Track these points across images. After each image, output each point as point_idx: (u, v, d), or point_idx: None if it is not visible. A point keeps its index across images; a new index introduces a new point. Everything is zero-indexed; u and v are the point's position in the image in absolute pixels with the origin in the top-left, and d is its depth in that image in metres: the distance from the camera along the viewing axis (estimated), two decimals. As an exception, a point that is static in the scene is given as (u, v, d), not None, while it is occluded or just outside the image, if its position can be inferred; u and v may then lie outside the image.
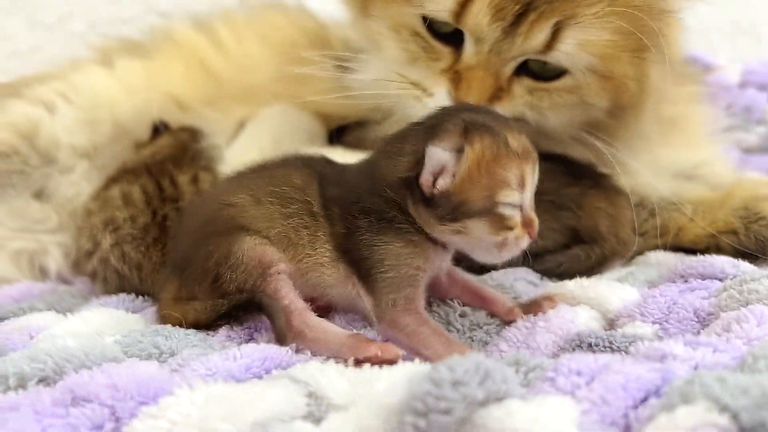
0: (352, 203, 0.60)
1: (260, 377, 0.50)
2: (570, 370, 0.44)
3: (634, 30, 0.72)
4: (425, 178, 0.56)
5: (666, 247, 0.83)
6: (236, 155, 0.92)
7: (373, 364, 0.50)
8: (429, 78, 0.78)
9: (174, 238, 0.71)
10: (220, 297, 0.59)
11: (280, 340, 0.57)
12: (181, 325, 0.60)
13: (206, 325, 0.61)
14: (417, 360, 0.51)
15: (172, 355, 0.54)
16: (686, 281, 0.68)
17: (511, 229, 0.56)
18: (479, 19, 0.72)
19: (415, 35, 0.78)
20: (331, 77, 0.90)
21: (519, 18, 0.71)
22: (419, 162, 0.56)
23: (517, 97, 0.77)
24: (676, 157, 0.88)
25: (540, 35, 0.72)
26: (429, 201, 0.56)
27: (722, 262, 0.69)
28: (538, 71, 0.76)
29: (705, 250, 0.80)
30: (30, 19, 1.85)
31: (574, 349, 0.58)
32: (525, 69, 0.76)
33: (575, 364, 0.44)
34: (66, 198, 0.91)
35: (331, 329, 0.56)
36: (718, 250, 0.80)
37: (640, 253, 0.81)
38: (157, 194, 0.77)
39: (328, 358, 0.53)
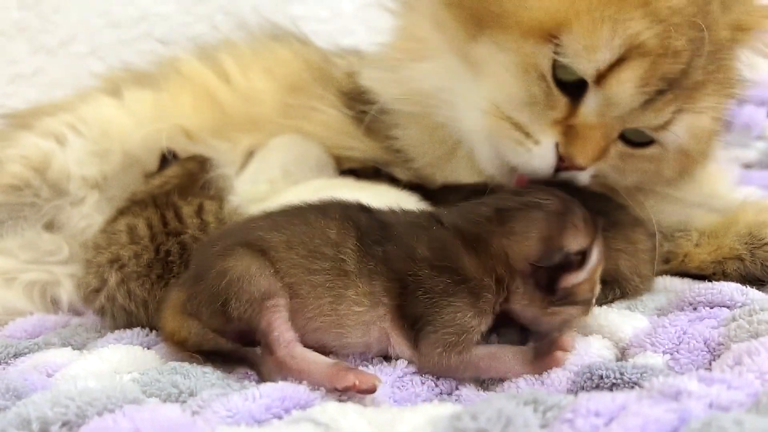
0: (415, 260, 0.60)
1: (280, 417, 0.50)
2: (588, 411, 0.45)
3: (723, 116, 0.79)
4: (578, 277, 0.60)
5: (672, 273, 0.83)
6: (246, 185, 0.93)
7: (351, 392, 0.51)
8: (539, 125, 0.75)
9: (197, 249, 0.71)
10: (224, 323, 0.59)
11: (261, 372, 0.57)
12: (172, 340, 0.60)
13: (193, 349, 0.60)
14: (436, 400, 0.51)
15: (192, 395, 0.54)
16: (695, 309, 0.69)
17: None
18: (625, 87, 0.71)
19: (541, 78, 0.74)
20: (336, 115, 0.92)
21: (658, 95, 0.73)
22: (550, 251, 0.59)
23: (610, 159, 0.78)
24: (690, 188, 0.90)
25: (666, 115, 0.75)
26: (551, 288, 0.59)
27: (730, 289, 0.69)
28: (632, 137, 0.78)
29: (711, 276, 0.81)
30: (32, 43, 1.87)
31: (585, 382, 0.59)
32: (621, 137, 0.79)
33: (593, 404, 0.45)
34: (78, 230, 0.92)
35: (314, 359, 0.56)
36: (724, 275, 0.80)
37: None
38: (161, 228, 0.77)
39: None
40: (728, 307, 0.68)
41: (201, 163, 0.94)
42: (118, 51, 1.89)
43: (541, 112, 0.75)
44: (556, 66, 0.73)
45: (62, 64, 1.88)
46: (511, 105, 0.76)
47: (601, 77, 0.72)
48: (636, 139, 0.78)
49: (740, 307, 0.66)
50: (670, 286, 0.80)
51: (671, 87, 0.72)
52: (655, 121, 0.75)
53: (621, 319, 0.68)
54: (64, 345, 0.71)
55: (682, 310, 0.70)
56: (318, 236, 0.61)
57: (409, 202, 0.81)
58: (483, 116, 0.78)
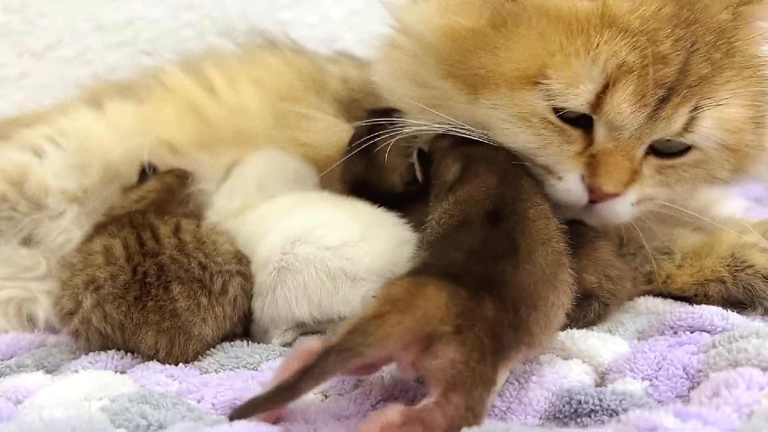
0: None
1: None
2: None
3: (758, 99, 0.75)
4: None
5: (655, 294, 0.83)
6: (222, 201, 0.92)
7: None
8: (560, 162, 0.75)
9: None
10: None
11: None
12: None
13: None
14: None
15: (161, 427, 0.53)
16: (675, 333, 0.69)
17: None
18: (621, 109, 0.71)
19: (545, 122, 0.75)
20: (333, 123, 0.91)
21: (661, 103, 0.71)
22: None
23: (647, 178, 0.76)
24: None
25: (681, 119, 0.73)
26: None
27: (711, 313, 0.69)
28: (662, 148, 0.76)
29: (693, 298, 0.81)
30: (18, 47, 1.85)
31: (564, 406, 0.58)
32: (651, 147, 0.76)
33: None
34: (56, 245, 0.90)
35: None
36: (707, 297, 0.80)
37: (630, 298, 0.82)
38: (138, 249, 0.76)
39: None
40: (709, 332, 0.68)
41: (180, 177, 0.93)
42: (105, 55, 1.88)
43: (558, 150, 0.75)
44: (558, 107, 0.74)
45: (48, 67, 1.87)
46: (529, 152, 0.76)
47: (597, 106, 0.72)
48: (670, 150, 0.76)
49: (720, 332, 0.66)
50: (652, 307, 0.80)
51: (673, 90, 0.71)
52: (672, 127, 0.73)
53: (600, 344, 0.67)
54: (37, 367, 0.70)
55: (662, 334, 0.70)
56: None
57: (385, 220, 0.80)
58: None
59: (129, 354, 0.71)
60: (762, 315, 0.77)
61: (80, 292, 0.72)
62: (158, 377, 0.66)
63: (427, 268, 0.59)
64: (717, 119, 0.73)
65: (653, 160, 0.76)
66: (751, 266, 0.79)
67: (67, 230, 0.91)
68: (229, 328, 0.77)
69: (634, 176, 0.75)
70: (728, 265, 0.80)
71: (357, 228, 0.76)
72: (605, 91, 0.71)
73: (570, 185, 0.75)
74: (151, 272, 0.74)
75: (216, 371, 0.69)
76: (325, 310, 0.74)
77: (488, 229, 0.64)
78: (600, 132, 0.74)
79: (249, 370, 0.69)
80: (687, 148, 0.76)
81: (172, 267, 0.75)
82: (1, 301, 0.86)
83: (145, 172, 0.93)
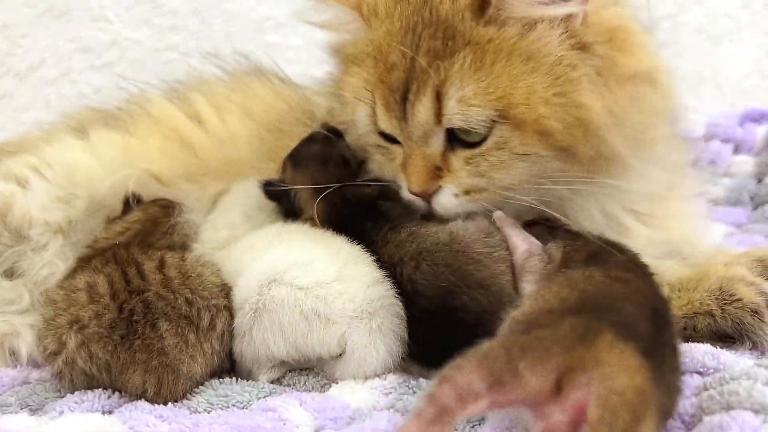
0: None
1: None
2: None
3: (524, 64, 0.76)
4: None
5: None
6: (208, 233, 0.92)
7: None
8: (397, 176, 0.87)
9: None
10: None
11: None
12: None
13: None
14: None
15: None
16: (666, 375, 0.69)
17: None
18: (382, 119, 0.83)
19: (377, 147, 0.88)
20: None
21: (403, 102, 0.80)
22: None
23: (458, 170, 0.81)
24: (661, 236, 0.90)
25: (422, 110, 0.79)
26: None
27: (702, 353, 0.69)
28: (468, 140, 0.80)
29: (682, 331, 0.81)
30: (1, 67, 1.84)
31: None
32: (457, 143, 0.81)
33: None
34: (40, 277, 0.89)
35: None
36: (695, 330, 0.79)
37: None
38: (123, 286, 0.75)
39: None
40: (700, 374, 0.68)
41: (164, 207, 0.92)
42: (88, 76, 1.87)
43: (390, 167, 0.88)
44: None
45: (31, 88, 1.86)
46: (383, 176, 0.89)
47: (377, 126, 0.84)
48: (473, 140, 0.80)
49: (712, 374, 0.66)
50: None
51: (408, 88, 0.79)
52: (424, 117, 0.79)
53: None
54: (21, 407, 0.68)
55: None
56: None
57: (361, 258, 0.80)
58: None
59: (116, 393, 0.70)
60: (750, 349, 0.77)
61: (64, 332, 0.71)
62: (147, 418, 0.64)
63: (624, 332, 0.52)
64: (459, 97, 0.76)
65: (461, 152, 0.81)
66: (738, 300, 0.78)
67: (51, 263, 0.90)
68: (217, 364, 0.77)
69: (438, 173, 0.82)
70: (716, 298, 0.79)
71: (332, 268, 0.76)
72: (374, 112, 0.83)
73: (406, 194, 0.85)
74: (137, 310, 0.73)
75: (206, 410, 0.68)
76: (302, 349, 0.74)
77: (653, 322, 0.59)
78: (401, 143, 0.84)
79: (239, 409, 0.68)
80: (486, 137, 0.79)
81: (158, 304, 0.74)
82: (-17, 336, 0.84)
83: (129, 203, 0.92)
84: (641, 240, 0.88)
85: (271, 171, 0.97)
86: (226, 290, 0.80)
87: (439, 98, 0.77)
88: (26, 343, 0.84)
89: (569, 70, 0.76)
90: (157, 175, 0.95)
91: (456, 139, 0.80)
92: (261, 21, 1.88)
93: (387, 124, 0.82)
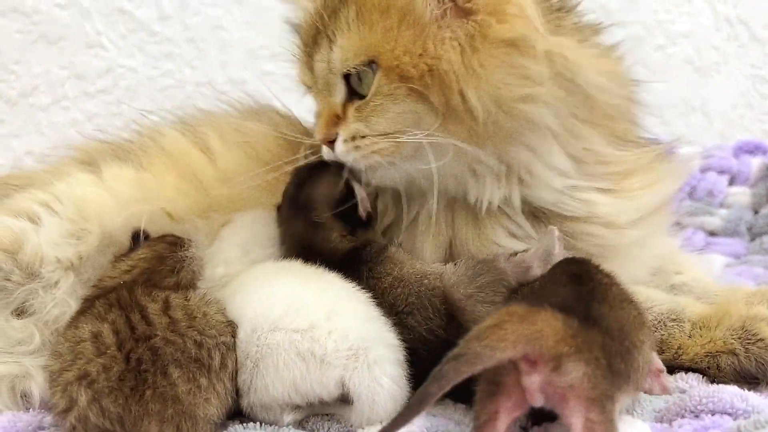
0: None
1: None
2: None
3: (392, 24, 0.83)
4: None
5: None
6: (208, 270, 0.91)
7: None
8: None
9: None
10: None
11: None
12: None
13: None
14: None
15: None
16: (697, 416, 0.69)
17: None
18: (302, 74, 0.95)
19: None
20: None
21: (312, 58, 0.90)
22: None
23: (350, 118, 0.88)
24: (632, 204, 0.91)
25: (320, 57, 0.89)
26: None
27: (731, 395, 0.69)
28: (361, 92, 0.87)
29: (706, 370, 0.81)
30: (-8, 93, 1.82)
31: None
32: (357, 96, 0.88)
33: None
34: (51, 317, 0.86)
35: None
36: (719, 369, 0.80)
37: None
38: (129, 334, 0.73)
39: None
40: (729, 414, 0.68)
41: (171, 244, 0.90)
42: (82, 103, 1.85)
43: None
44: None
45: (23, 114, 1.84)
46: None
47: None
48: (363, 89, 0.87)
49: (743, 416, 0.66)
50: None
51: (316, 40, 0.90)
52: (319, 65, 0.89)
53: (623, 427, 0.67)
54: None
55: (682, 416, 0.70)
56: None
57: (354, 295, 0.79)
58: None
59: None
60: (776, 391, 0.77)
61: (74, 389, 0.69)
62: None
63: (538, 302, 0.63)
64: (340, 45, 0.86)
65: (356, 103, 0.88)
66: (761, 339, 0.79)
67: (62, 302, 0.87)
68: (231, 403, 0.75)
69: (336, 120, 0.89)
70: (740, 338, 0.80)
71: (323, 308, 0.76)
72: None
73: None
74: (145, 358, 0.70)
75: (232, 456, 0.66)
76: (302, 391, 0.72)
77: (576, 285, 0.69)
78: None
79: (267, 455, 0.66)
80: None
81: (167, 350, 0.72)
82: (-5, 379, 0.81)
83: (138, 239, 0.90)
84: (608, 209, 0.90)
85: (272, 205, 0.98)
86: (232, 327, 0.79)
87: (330, 47, 0.87)
88: (38, 385, 0.82)
89: (439, 30, 0.82)
90: (170, 211, 0.94)
91: (354, 93, 0.88)
92: (256, 50, 1.88)
93: (304, 77, 0.93)
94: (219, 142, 1.01)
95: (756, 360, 0.78)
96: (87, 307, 0.80)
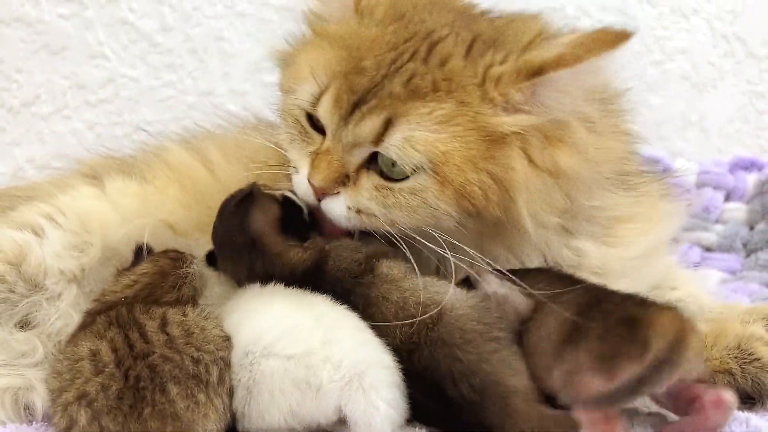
0: None
1: None
2: None
3: (487, 150, 0.78)
4: None
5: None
6: (207, 288, 0.91)
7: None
8: (298, 158, 0.89)
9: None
10: None
11: None
12: None
13: None
14: None
15: None
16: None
17: None
18: (323, 108, 0.84)
19: (296, 122, 0.89)
20: None
21: (353, 108, 0.81)
22: None
23: (364, 190, 0.83)
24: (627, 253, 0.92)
25: (368, 126, 0.80)
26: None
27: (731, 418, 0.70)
28: (387, 172, 0.82)
29: (701, 388, 0.82)
30: (-6, 102, 1.83)
31: None
32: (376, 167, 0.83)
33: None
34: (54, 329, 0.87)
35: None
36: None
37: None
38: (127, 352, 0.74)
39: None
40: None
41: (174, 259, 0.90)
42: (83, 113, 1.86)
43: (300, 147, 0.89)
44: (303, 109, 0.87)
45: (24, 123, 1.84)
46: (283, 146, 0.92)
47: (315, 108, 0.85)
48: (393, 175, 0.82)
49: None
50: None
51: (366, 98, 0.81)
52: (362, 132, 0.81)
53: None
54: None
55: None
56: None
57: (347, 319, 0.79)
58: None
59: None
60: (772, 411, 0.78)
61: (74, 409, 0.70)
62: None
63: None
64: (407, 137, 0.79)
65: (375, 177, 0.83)
66: (758, 359, 0.80)
67: (66, 314, 0.88)
68: (229, 418, 0.75)
69: (344, 180, 0.84)
70: (736, 357, 0.81)
71: (319, 333, 0.75)
72: (320, 96, 0.84)
73: (301, 178, 0.87)
74: (143, 376, 0.71)
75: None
76: (301, 418, 0.73)
77: None
78: (327, 135, 0.85)
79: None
80: (406, 177, 0.81)
81: (165, 367, 0.72)
82: (-2, 391, 0.81)
83: (141, 252, 0.91)
84: (598, 260, 0.91)
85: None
86: (230, 341, 0.80)
87: (387, 124, 0.79)
88: (41, 398, 0.82)
89: (509, 158, 0.80)
90: (173, 224, 0.95)
91: (376, 162, 0.83)
92: (257, 61, 1.89)
93: (327, 115, 0.84)
94: (220, 156, 1.02)
95: (752, 380, 0.79)
96: (88, 322, 0.81)
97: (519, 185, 0.80)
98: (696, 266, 1.37)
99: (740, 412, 0.72)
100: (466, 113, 0.79)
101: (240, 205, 0.87)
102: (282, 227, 0.86)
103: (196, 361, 0.74)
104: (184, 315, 0.81)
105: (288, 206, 0.88)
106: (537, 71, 0.78)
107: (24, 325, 0.88)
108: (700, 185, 1.70)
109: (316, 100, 0.84)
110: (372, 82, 0.81)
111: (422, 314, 0.75)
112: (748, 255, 1.57)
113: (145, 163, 1.02)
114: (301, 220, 0.88)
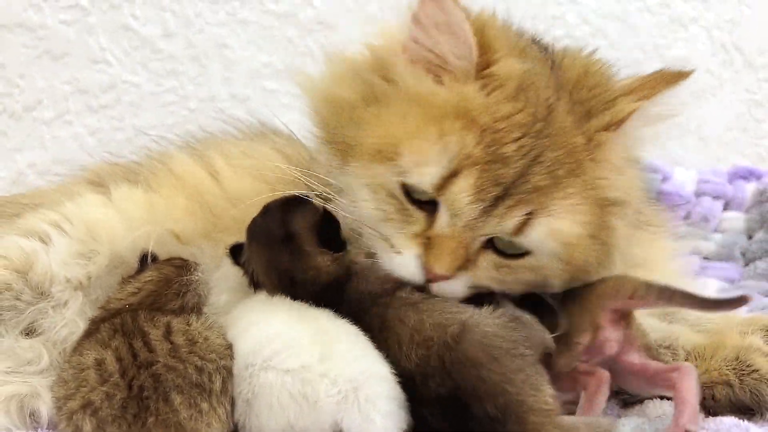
0: None
1: None
2: None
3: (600, 219, 0.80)
4: None
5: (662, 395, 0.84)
6: (212, 297, 0.92)
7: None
8: (400, 238, 0.81)
9: None
10: None
11: None
12: None
13: None
14: None
15: None
16: (697, 447, 0.70)
17: None
18: (460, 198, 0.77)
19: (391, 197, 0.82)
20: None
21: (497, 201, 0.77)
22: None
23: (482, 269, 0.81)
24: None
25: (513, 220, 0.77)
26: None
27: (729, 425, 0.71)
28: (503, 248, 0.81)
29: (702, 399, 0.82)
30: (-4, 107, 1.84)
31: None
32: (492, 243, 0.81)
33: None
34: (60, 337, 0.88)
35: None
36: (714, 399, 0.81)
37: (639, 401, 0.83)
38: (131, 360, 0.74)
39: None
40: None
41: (178, 267, 0.91)
42: (85, 118, 1.87)
43: (399, 226, 0.81)
44: (407, 185, 0.80)
45: (26, 128, 1.85)
46: (370, 222, 0.83)
47: (440, 189, 0.78)
48: (509, 251, 0.81)
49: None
50: (666, 411, 0.80)
51: (509, 192, 0.77)
52: (505, 226, 0.78)
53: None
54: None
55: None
56: None
57: (347, 334, 0.80)
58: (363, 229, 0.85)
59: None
60: (770, 422, 0.79)
61: (79, 418, 0.70)
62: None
63: None
64: (550, 229, 0.78)
65: (492, 256, 0.81)
66: (756, 370, 0.80)
67: (71, 322, 0.89)
68: (232, 426, 0.76)
69: (467, 264, 0.80)
70: (734, 369, 0.81)
71: (317, 348, 0.76)
72: (450, 177, 0.77)
73: (407, 261, 0.80)
74: (147, 385, 0.72)
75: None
76: (298, 430, 0.73)
77: None
78: (441, 217, 0.79)
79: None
80: (526, 253, 0.81)
81: (168, 376, 0.73)
82: (3, 398, 0.82)
83: (146, 261, 0.92)
84: None
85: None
86: (233, 350, 0.80)
87: (529, 216, 0.78)
88: (46, 405, 0.82)
89: (612, 220, 0.83)
90: (178, 233, 0.96)
91: (493, 241, 0.81)
92: (259, 67, 1.90)
93: (463, 206, 0.77)
94: (226, 164, 1.02)
95: (750, 391, 0.79)
96: (93, 330, 0.82)
97: (619, 242, 0.83)
98: (694, 275, 1.38)
99: (740, 421, 0.72)
100: (588, 190, 0.80)
101: (286, 203, 0.87)
102: (318, 235, 0.86)
103: (200, 370, 0.75)
104: (188, 324, 0.82)
105: (328, 218, 0.87)
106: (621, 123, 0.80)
107: (30, 332, 0.88)
108: (699, 194, 1.71)
109: (442, 184, 0.77)
110: (516, 174, 0.77)
111: (442, 334, 0.74)
112: (746, 264, 1.58)
113: (150, 171, 1.02)
114: (336, 235, 0.87)
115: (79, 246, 0.92)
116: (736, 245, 1.60)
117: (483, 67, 0.80)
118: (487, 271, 0.81)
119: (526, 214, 0.77)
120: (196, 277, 0.91)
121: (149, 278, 0.89)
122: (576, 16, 1.93)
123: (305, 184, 0.97)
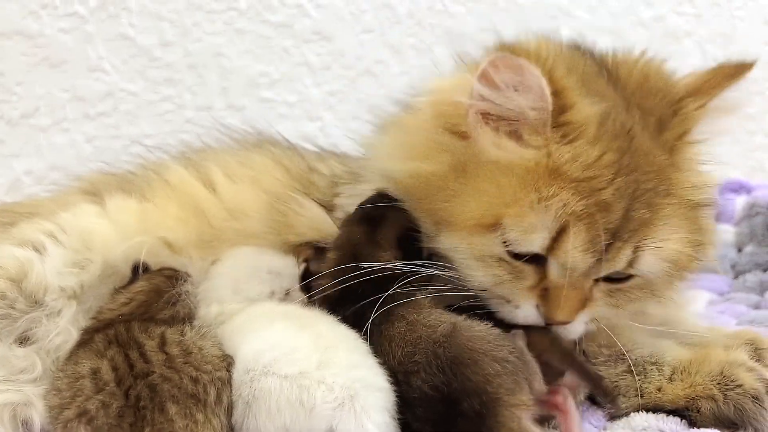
0: None
1: None
2: None
3: (696, 224, 0.82)
4: None
5: (648, 408, 0.85)
6: (202, 308, 0.93)
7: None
8: (515, 294, 0.83)
9: None
10: None
11: None
12: None
13: None
14: None
15: None
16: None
17: None
18: (574, 254, 0.78)
19: (498, 261, 0.82)
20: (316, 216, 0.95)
21: (607, 247, 0.78)
22: None
23: (598, 301, 0.84)
24: (653, 315, 0.93)
25: (624, 259, 0.80)
26: None
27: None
28: (614, 275, 0.83)
29: (685, 413, 0.83)
30: (-8, 113, 1.85)
31: None
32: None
33: None
34: (53, 346, 0.88)
35: None
36: (699, 413, 0.82)
37: (626, 414, 0.84)
38: (127, 371, 0.75)
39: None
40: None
41: (169, 277, 0.93)
42: (82, 125, 1.88)
43: (512, 284, 0.83)
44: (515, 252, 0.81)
45: (23, 135, 1.86)
46: (483, 287, 0.84)
47: (551, 249, 0.79)
48: (619, 276, 0.83)
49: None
50: (648, 425, 0.81)
51: (617, 235, 0.79)
52: (617, 266, 0.81)
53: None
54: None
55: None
56: None
57: (345, 341, 0.81)
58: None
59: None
60: (753, 437, 0.79)
61: (74, 426, 0.71)
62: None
63: None
64: (657, 255, 0.81)
65: (603, 285, 0.84)
66: (740, 385, 0.81)
67: (65, 330, 0.89)
68: (226, 437, 0.77)
69: (583, 305, 0.83)
70: (718, 383, 0.82)
71: (316, 355, 0.77)
72: (558, 236, 0.78)
73: (527, 312, 0.83)
74: (143, 395, 0.73)
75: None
76: None
77: None
78: (553, 270, 0.81)
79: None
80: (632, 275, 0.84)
81: (164, 386, 0.74)
82: (-2, 407, 0.82)
83: (137, 271, 0.93)
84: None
85: (277, 242, 1.00)
86: (227, 362, 0.82)
87: (636, 249, 0.80)
88: (39, 413, 0.83)
89: (704, 220, 0.86)
90: (171, 242, 0.97)
91: None
92: (256, 77, 1.91)
93: (577, 261, 0.78)
94: (222, 175, 1.04)
95: (734, 406, 0.80)
96: (86, 340, 0.83)
97: (713, 240, 0.87)
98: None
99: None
100: (681, 202, 0.82)
101: (387, 196, 0.90)
102: (398, 238, 0.89)
103: (195, 381, 0.76)
104: (182, 335, 0.83)
105: (412, 230, 0.90)
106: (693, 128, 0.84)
107: (23, 341, 0.89)
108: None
109: (551, 245, 0.78)
110: (620, 217, 0.78)
111: (431, 333, 0.77)
112: (735, 277, 1.59)
113: (145, 181, 1.03)
114: (415, 245, 0.90)
115: (74, 255, 0.93)
116: (726, 258, 1.61)
117: (559, 113, 0.79)
118: (602, 301, 0.84)
119: (635, 249, 0.80)
120: (186, 288, 0.92)
121: (140, 288, 0.90)
122: (571, 30, 1.94)
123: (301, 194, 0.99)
